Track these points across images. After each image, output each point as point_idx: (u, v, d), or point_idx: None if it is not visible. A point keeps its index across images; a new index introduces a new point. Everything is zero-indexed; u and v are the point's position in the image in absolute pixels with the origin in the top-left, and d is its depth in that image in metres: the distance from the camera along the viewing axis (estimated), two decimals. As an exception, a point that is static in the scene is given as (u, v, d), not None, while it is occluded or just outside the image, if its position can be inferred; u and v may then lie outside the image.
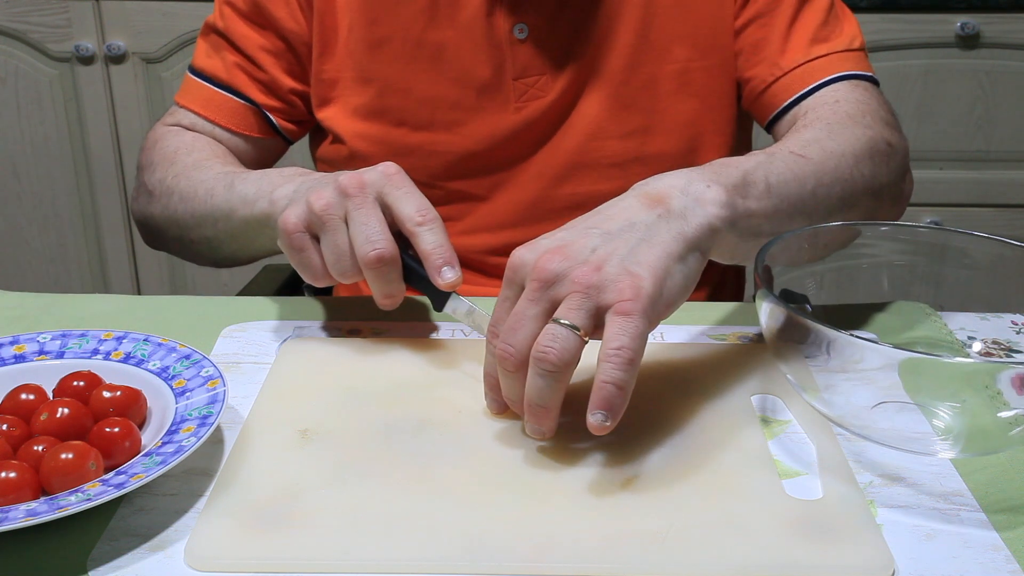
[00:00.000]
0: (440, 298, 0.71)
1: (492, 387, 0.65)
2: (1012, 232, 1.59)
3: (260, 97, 0.97)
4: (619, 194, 0.93)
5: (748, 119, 1.02)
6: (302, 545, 0.54)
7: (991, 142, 1.89)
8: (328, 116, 0.96)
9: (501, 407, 0.65)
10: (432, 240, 0.69)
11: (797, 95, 0.91)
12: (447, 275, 0.69)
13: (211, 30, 0.99)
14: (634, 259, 0.61)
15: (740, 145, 1.00)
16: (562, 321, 0.59)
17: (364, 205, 0.69)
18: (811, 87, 0.90)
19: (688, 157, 0.95)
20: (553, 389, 0.59)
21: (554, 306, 0.60)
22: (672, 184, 0.66)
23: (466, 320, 0.73)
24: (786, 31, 0.92)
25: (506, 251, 0.96)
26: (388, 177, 0.70)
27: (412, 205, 0.69)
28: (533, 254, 0.62)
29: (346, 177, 0.70)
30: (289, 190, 0.77)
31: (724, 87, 0.95)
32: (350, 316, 0.82)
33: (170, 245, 0.97)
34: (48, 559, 0.54)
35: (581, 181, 0.95)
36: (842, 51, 0.92)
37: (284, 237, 0.72)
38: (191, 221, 0.89)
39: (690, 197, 0.65)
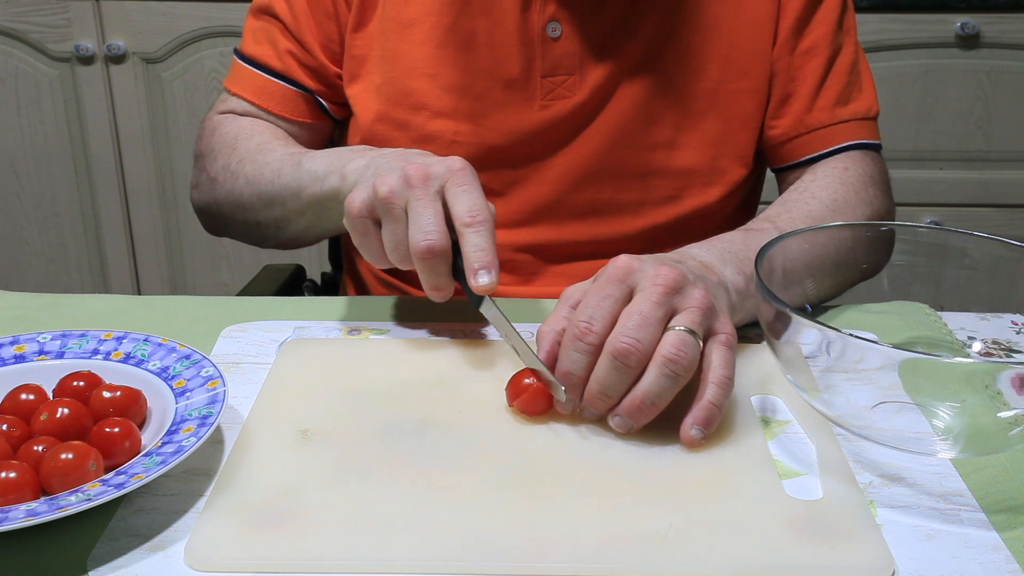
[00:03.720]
0: (476, 298, 0.72)
1: (575, 386, 0.65)
2: (1012, 232, 1.59)
3: (311, 83, 0.98)
4: (636, 205, 0.97)
5: None
6: (302, 545, 0.54)
7: (991, 142, 1.89)
8: (355, 93, 0.96)
9: (576, 408, 0.66)
10: (474, 242, 0.69)
11: (813, 155, 0.96)
12: (481, 279, 0.69)
13: (264, 12, 0.99)
14: (719, 304, 0.68)
15: (759, 167, 1.01)
16: (689, 329, 0.63)
17: (424, 197, 0.70)
18: (827, 151, 0.96)
19: (709, 176, 0.95)
20: (674, 390, 0.63)
21: (672, 314, 0.64)
22: (711, 262, 0.75)
23: (495, 326, 0.72)
24: (815, 89, 0.95)
25: (520, 248, 0.97)
26: (452, 172, 0.71)
27: (465, 204, 0.70)
28: (645, 264, 0.66)
29: (413, 166, 0.71)
30: (360, 164, 0.78)
31: (751, 111, 0.95)
32: (350, 316, 0.82)
33: (235, 229, 0.99)
34: (48, 559, 0.54)
35: (601, 188, 0.95)
36: (860, 119, 0.96)
37: (348, 219, 0.74)
38: (258, 203, 0.91)
39: (723, 276, 0.74)
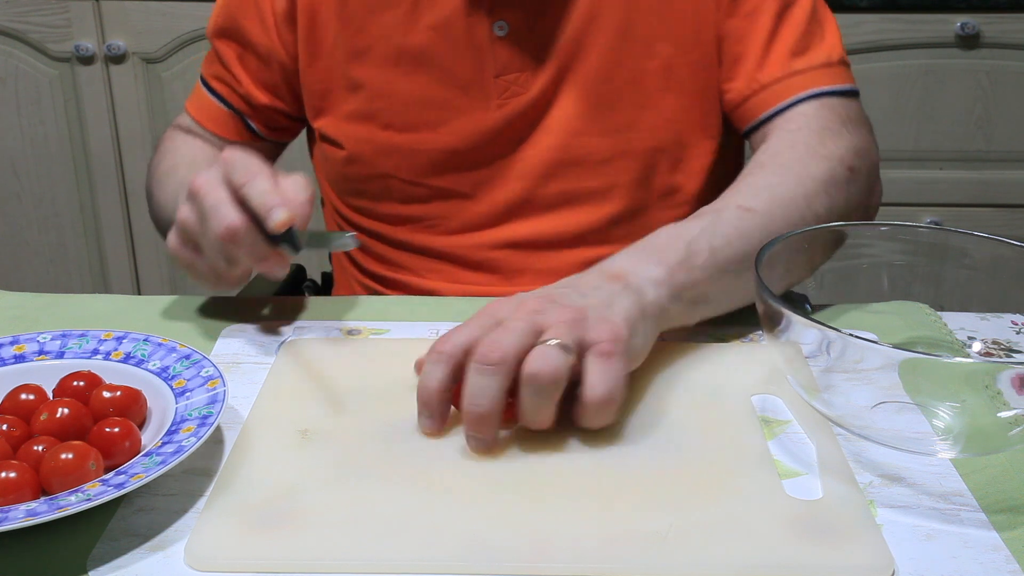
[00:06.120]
0: (287, 242, 0.71)
1: (427, 404, 0.63)
2: (1012, 232, 1.59)
3: (241, 107, 1.02)
4: (606, 191, 0.97)
5: None
6: (302, 545, 0.54)
7: (991, 142, 1.89)
8: (324, 125, 0.99)
9: (438, 428, 0.64)
10: (256, 191, 0.70)
11: (769, 112, 0.92)
12: (276, 216, 0.69)
13: (209, 37, 1.04)
14: (609, 311, 0.66)
15: (727, 137, 0.99)
16: (551, 342, 0.61)
17: (210, 192, 0.71)
18: (782, 105, 0.91)
19: (675, 152, 0.95)
20: (550, 405, 0.61)
21: (538, 331, 0.62)
22: (624, 267, 0.71)
23: (316, 242, 0.72)
24: (765, 45, 0.92)
25: (497, 246, 0.97)
26: (227, 163, 0.72)
27: (238, 177, 0.71)
28: (510, 300, 0.66)
29: (196, 177, 0.73)
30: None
31: (708, 82, 0.94)
32: (350, 316, 0.82)
33: None
34: (48, 559, 0.54)
35: (567, 178, 0.95)
36: (819, 66, 0.91)
37: (174, 260, 0.77)
38: (163, 226, 0.95)
39: (641, 277, 0.70)
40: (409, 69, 0.94)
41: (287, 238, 0.70)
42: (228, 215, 0.70)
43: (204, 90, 1.03)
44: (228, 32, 0.99)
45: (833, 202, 0.82)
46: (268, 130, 1.04)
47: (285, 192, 0.71)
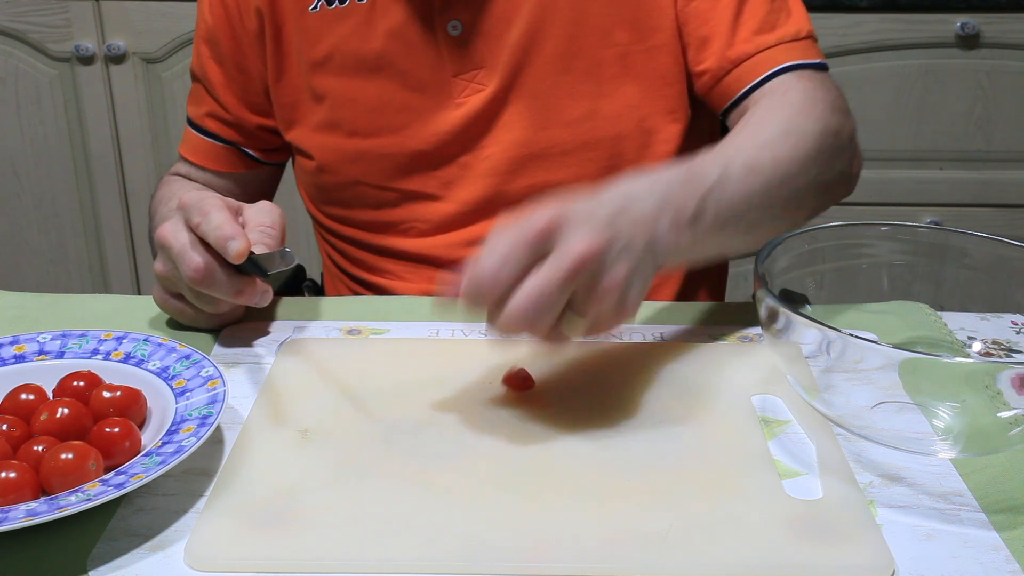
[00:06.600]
0: (256, 268, 0.72)
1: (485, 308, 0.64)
2: (1012, 232, 1.59)
3: (234, 136, 1.03)
4: (574, 182, 0.94)
5: None
6: (302, 545, 0.54)
7: (991, 142, 1.89)
8: (295, 137, 1.00)
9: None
10: (211, 226, 0.72)
11: (748, 87, 0.91)
12: (233, 247, 0.70)
13: (192, 76, 1.04)
14: (631, 289, 0.65)
15: (697, 119, 0.98)
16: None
17: (175, 240, 0.73)
18: (761, 78, 0.90)
19: (640, 139, 0.95)
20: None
21: (574, 296, 0.62)
22: (647, 214, 0.68)
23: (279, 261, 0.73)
24: (731, 25, 0.92)
25: (469, 243, 0.97)
26: (184, 208, 0.74)
27: (194, 218, 0.73)
28: (571, 227, 0.63)
29: (159, 229, 0.75)
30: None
31: (669, 67, 0.94)
32: (350, 316, 0.82)
33: None
34: (48, 559, 0.54)
35: (533, 172, 0.95)
36: (789, 41, 0.92)
37: (163, 309, 0.81)
38: None
39: (658, 236, 0.68)
40: (369, 76, 0.94)
41: (254, 266, 0.71)
42: (193, 259, 0.72)
43: (194, 132, 1.04)
44: (213, 57, 1.00)
45: (823, 168, 0.83)
46: (264, 153, 1.05)
47: (250, 220, 0.74)
